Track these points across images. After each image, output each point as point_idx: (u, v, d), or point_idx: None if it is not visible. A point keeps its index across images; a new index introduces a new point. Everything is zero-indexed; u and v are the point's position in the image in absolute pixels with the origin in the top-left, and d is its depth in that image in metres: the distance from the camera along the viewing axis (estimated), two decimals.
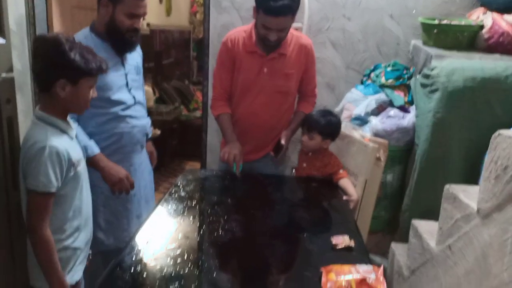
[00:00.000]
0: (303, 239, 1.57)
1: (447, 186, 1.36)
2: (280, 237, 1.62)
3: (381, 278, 1.20)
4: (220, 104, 2.15)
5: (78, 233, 1.45)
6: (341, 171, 1.99)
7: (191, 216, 1.69)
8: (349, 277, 1.18)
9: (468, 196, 1.25)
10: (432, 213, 1.68)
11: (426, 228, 1.58)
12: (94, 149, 1.73)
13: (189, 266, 1.33)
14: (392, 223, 2.46)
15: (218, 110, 2.15)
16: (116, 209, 1.88)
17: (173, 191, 1.91)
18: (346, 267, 1.22)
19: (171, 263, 1.34)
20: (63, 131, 1.38)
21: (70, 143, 1.40)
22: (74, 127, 1.46)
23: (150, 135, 2.12)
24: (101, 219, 1.86)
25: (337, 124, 2.01)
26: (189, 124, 4.58)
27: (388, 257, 2.00)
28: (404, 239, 1.99)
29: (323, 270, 1.23)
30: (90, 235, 1.54)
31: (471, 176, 1.98)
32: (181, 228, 1.59)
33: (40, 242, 1.31)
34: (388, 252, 2.17)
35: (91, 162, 1.71)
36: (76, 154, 1.41)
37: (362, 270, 1.21)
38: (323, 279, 1.19)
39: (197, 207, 1.80)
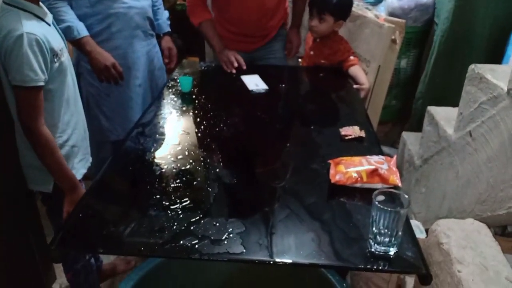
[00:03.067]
0: (310, 131, 1.48)
1: (472, 66, 1.22)
2: (286, 129, 1.53)
3: (394, 168, 1.12)
4: (199, 9, 1.94)
5: (71, 129, 1.36)
6: (351, 57, 1.83)
7: (191, 111, 1.59)
8: (359, 168, 1.10)
9: (496, 76, 1.11)
10: (447, 101, 1.56)
11: (442, 115, 1.47)
12: (82, 30, 1.59)
13: (190, 162, 1.26)
14: (402, 112, 2.35)
15: (198, 18, 1.96)
16: (121, 98, 1.79)
17: (170, 85, 1.79)
18: (356, 159, 1.13)
19: (172, 159, 1.27)
20: (38, 17, 1.21)
21: (48, 30, 1.24)
22: (48, 12, 1.28)
23: (166, 29, 1.98)
24: (106, 108, 1.79)
25: (350, 1, 1.80)
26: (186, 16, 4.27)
27: (398, 147, 1.93)
28: (415, 128, 1.90)
29: (331, 162, 1.15)
30: (85, 131, 1.46)
31: (494, 59, 1.81)
32: (181, 124, 1.50)
33: (40, 140, 1.22)
34: (397, 142, 2.10)
35: (78, 45, 1.59)
36: (57, 42, 1.26)
37: (373, 161, 1.12)
38: (332, 171, 1.11)
39: (197, 102, 1.69)
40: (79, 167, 1.42)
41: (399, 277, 1.21)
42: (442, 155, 1.38)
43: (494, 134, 1.06)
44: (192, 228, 0.98)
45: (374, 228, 0.92)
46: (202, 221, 1.01)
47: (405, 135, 1.82)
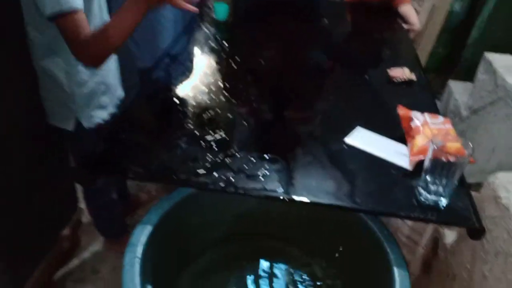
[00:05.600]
0: (354, 72, 1.37)
1: None
2: (327, 68, 1.42)
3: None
4: None
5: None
6: None
7: (225, 41, 1.48)
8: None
9: None
10: (505, 49, 1.42)
11: (502, 63, 1.34)
12: None
13: (224, 94, 1.18)
14: (447, 61, 2.20)
15: None
16: (152, 25, 1.68)
17: (203, 12, 1.67)
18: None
19: (205, 90, 1.19)
20: None
21: None
22: None
23: None
24: (136, 33, 1.67)
25: None
26: None
27: (442, 97, 1.81)
28: (463, 78, 1.77)
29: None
30: (116, 69, 1.33)
31: None
32: (214, 54, 1.41)
33: (98, 46, 1.02)
34: (439, 92, 1.97)
35: None
36: None
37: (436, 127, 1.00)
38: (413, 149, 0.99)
39: (232, 32, 1.58)
40: (99, 113, 1.28)
41: (437, 229, 1.14)
42: (497, 106, 1.27)
43: None
44: (227, 161, 0.92)
45: (428, 176, 0.84)
46: (237, 155, 0.94)
47: (452, 84, 1.69)
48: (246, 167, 0.91)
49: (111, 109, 1.31)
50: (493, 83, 1.30)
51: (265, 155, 0.95)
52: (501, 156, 1.20)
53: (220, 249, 1.14)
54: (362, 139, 1.01)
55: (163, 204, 0.97)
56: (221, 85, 1.22)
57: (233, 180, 0.87)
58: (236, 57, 1.38)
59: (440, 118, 1.01)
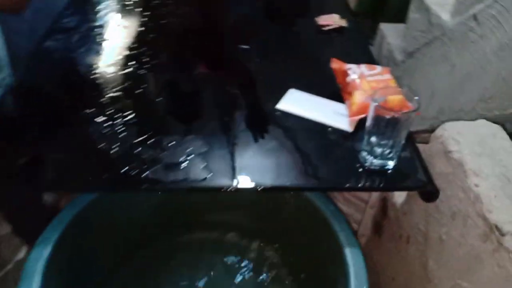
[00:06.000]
0: (281, 24, 1.23)
1: None
2: (250, 21, 1.26)
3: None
4: None
5: None
6: None
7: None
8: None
9: None
10: None
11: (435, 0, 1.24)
12: None
13: (132, 64, 0.99)
14: (377, 2, 2.10)
15: None
16: None
17: None
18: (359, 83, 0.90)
19: (108, 61, 1.00)
20: None
21: None
22: None
23: None
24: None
25: None
26: None
27: (375, 43, 1.72)
28: (393, 20, 1.68)
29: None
30: None
31: None
32: (118, 15, 1.20)
33: None
34: (370, 37, 1.88)
35: None
36: None
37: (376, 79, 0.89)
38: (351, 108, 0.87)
39: None
40: None
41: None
42: (432, 47, 1.18)
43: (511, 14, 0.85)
44: (138, 150, 0.76)
45: (371, 138, 0.73)
46: (151, 140, 0.78)
47: (384, 27, 1.59)
48: (163, 155, 0.76)
49: None
50: (427, 22, 1.21)
51: (185, 136, 0.79)
52: (441, 101, 1.12)
53: (148, 249, 1.00)
54: (295, 102, 0.88)
55: (63, 216, 0.80)
56: (128, 52, 1.03)
57: (147, 174, 0.71)
58: (145, 17, 1.18)
59: (378, 68, 0.90)
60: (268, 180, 0.72)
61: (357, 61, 0.93)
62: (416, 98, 0.69)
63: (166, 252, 1.01)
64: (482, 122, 0.80)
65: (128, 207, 0.91)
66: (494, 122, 0.86)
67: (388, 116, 0.69)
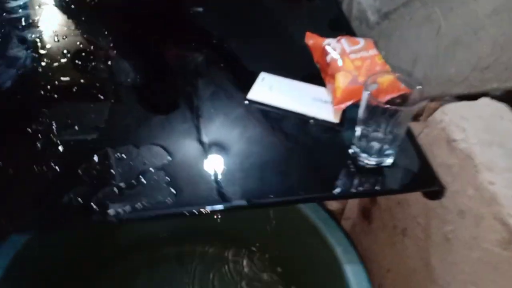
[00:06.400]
0: None
1: None
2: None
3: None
4: None
5: None
6: None
7: None
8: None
9: None
10: None
11: None
12: None
13: (64, 54, 0.82)
14: None
15: None
16: None
17: None
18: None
19: (37, 50, 0.82)
20: None
21: None
22: None
23: None
24: None
25: None
26: None
27: (343, 1, 1.57)
28: None
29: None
30: None
31: None
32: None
33: None
34: None
35: None
36: None
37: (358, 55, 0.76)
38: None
39: None
40: None
41: None
42: (412, 7, 1.05)
43: None
44: (80, 171, 0.61)
45: (366, 132, 0.61)
46: (96, 157, 0.63)
47: None
48: (114, 173, 0.61)
49: None
50: None
51: (140, 145, 0.65)
52: (426, 67, 1.01)
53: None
54: (269, 90, 0.74)
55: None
56: (56, 39, 0.86)
57: (92, 205, 0.57)
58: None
59: (361, 42, 0.77)
60: (237, 198, 0.59)
61: (333, 32, 0.80)
62: (419, 87, 0.57)
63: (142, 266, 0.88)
64: (485, 101, 0.69)
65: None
66: (495, 98, 0.76)
67: (384, 107, 0.57)
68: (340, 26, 0.91)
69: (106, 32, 0.88)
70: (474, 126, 0.64)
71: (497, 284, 0.58)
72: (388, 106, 0.57)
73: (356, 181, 0.62)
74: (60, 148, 0.64)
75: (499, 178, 0.58)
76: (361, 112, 0.61)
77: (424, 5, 1.00)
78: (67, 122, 0.68)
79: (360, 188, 0.62)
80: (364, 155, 0.63)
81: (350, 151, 0.65)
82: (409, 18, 1.08)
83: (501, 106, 0.68)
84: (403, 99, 0.63)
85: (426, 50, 1.02)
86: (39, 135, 0.65)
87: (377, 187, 0.62)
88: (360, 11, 1.33)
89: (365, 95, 0.59)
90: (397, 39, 1.15)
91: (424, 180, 0.63)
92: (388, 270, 0.93)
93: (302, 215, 0.73)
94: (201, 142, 0.66)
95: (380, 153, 0.62)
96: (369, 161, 0.63)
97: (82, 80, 0.77)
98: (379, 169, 0.63)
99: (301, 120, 0.70)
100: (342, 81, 0.70)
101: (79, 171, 0.60)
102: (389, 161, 0.63)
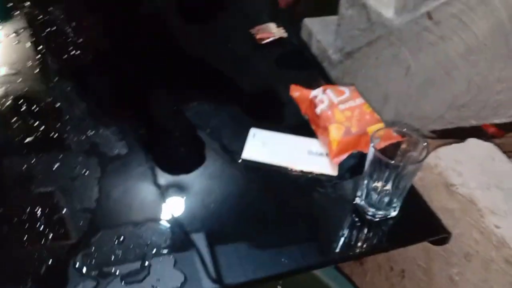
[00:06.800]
0: (215, 43, 1.05)
1: None
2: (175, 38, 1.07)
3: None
4: None
5: None
6: None
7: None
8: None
9: None
10: None
11: None
12: None
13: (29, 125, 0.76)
14: None
15: None
16: None
17: None
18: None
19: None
20: None
21: None
22: None
23: None
24: None
25: None
26: None
27: (301, 37, 1.61)
28: (314, 13, 1.58)
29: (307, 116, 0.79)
30: None
31: None
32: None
33: None
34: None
35: None
36: None
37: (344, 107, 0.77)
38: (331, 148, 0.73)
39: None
40: None
41: None
42: (377, 47, 1.09)
43: (479, 13, 0.77)
44: (72, 262, 0.56)
45: (374, 186, 0.61)
46: (90, 246, 0.58)
47: (308, 22, 1.48)
48: (113, 260, 0.56)
49: None
50: (366, 20, 1.11)
51: (142, 225, 0.61)
52: (399, 105, 1.04)
53: None
54: (262, 146, 0.73)
55: None
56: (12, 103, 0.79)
57: None
58: (39, 52, 0.92)
59: (347, 92, 0.78)
60: (236, 275, 0.56)
61: (311, 79, 0.81)
62: (425, 144, 0.58)
63: None
64: (473, 142, 0.72)
65: None
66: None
67: (394, 161, 0.58)
68: (316, 73, 0.91)
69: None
70: (470, 169, 0.66)
71: None
72: (394, 162, 0.57)
73: (364, 236, 0.62)
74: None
75: (504, 221, 0.60)
76: (367, 166, 0.61)
77: (390, 45, 1.04)
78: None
79: (370, 244, 0.61)
80: (370, 208, 0.63)
81: (356, 202, 0.65)
82: (375, 57, 1.11)
83: (490, 146, 0.71)
84: (396, 146, 0.64)
85: (397, 88, 1.05)
86: (25, 225, 0.59)
87: (386, 241, 0.62)
88: (321, 49, 1.37)
89: (371, 150, 0.59)
90: (363, 77, 1.18)
91: (431, 228, 0.64)
92: None
93: (312, 275, 0.72)
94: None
95: (386, 205, 0.62)
96: (375, 213, 0.63)
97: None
98: (385, 222, 0.63)
99: (299, 176, 0.69)
100: (336, 133, 0.70)
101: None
102: (394, 213, 0.64)
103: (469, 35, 0.80)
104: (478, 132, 0.95)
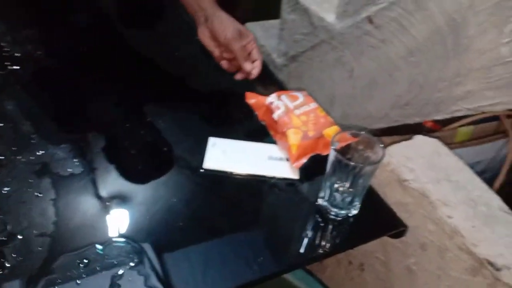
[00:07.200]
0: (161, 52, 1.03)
1: None
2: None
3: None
4: None
5: None
6: None
7: None
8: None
9: None
10: None
11: None
12: None
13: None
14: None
15: None
16: None
17: None
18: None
19: None
20: None
21: None
22: None
23: None
24: None
25: None
26: None
27: None
28: (256, 17, 1.61)
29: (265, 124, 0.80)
30: None
31: None
32: None
33: None
34: None
35: None
36: None
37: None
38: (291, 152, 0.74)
39: None
40: None
41: None
42: (320, 51, 1.13)
43: (418, 18, 0.83)
44: None
45: (334, 186, 0.63)
46: (53, 272, 0.55)
47: (250, 26, 1.50)
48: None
49: None
50: (308, 24, 1.15)
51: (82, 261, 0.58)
52: (343, 106, 1.09)
53: None
54: (223, 155, 0.73)
55: None
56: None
57: None
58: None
59: (300, 97, 0.80)
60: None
61: (264, 85, 0.82)
62: (381, 145, 0.61)
63: None
64: (419, 138, 0.77)
65: None
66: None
67: (352, 162, 0.60)
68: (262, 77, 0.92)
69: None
70: (420, 165, 0.71)
71: None
72: (354, 163, 0.60)
73: (328, 236, 0.64)
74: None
75: (455, 211, 0.64)
76: (329, 168, 0.63)
77: (333, 49, 1.08)
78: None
79: (335, 243, 0.63)
80: (332, 208, 0.65)
81: (318, 203, 0.67)
82: (319, 60, 1.15)
83: (435, 142, 0.76)
84: (353, 148, 0.67)
85: (341, 90, 1.10)
86: None
87: (349, 239, 0.64)
88: (265, 53, 1.39)
89: (332, 153, 0.61)
90: (308, 79, 1.22)
91: (389, 223, 0.67)
92: None
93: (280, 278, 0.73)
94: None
95: (348, 204, 0.65)
96: (338, 213, 0.65)
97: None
98: (347, 220, 0.66)
99: (263, 182, 0.70)
100: (294, 138, 0.72)
101: None
102: (354, 211, 0.66)
103: (409, 38, 0.85)
104: (419, 128, 1.01)
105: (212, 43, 0.82)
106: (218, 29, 0.78)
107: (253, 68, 0.79)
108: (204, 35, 0.82)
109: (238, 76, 0.82)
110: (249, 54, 0.80)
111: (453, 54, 0.76)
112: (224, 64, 0.82)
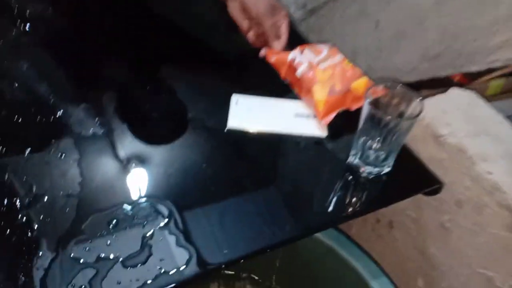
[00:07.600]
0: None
1: None
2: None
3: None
4: None
5: None
6: None
7: None
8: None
9: None
10: None
11: None
12: None
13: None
14: None
15: None
16: None
17: None
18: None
19: None
20: None
21: None
22: None
23: None
24: None
25: None
26: None
27: None
28: None
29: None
30: None
31: None
32: None
33: None
34: None
35: None
36: None
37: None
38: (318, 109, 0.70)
39: None
40: None
41: None
42: (343, 3, 1.07)
43: None
44: (66, 251, 0.52)
45: (368, 143, 0.60)
46: (82, 233, 0.54)
47: None
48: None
49: None
50: None
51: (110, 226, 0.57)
52: (368, 59, 1.04)
53: None
54: (247, 113, 0.70)
55: None
56: None
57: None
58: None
59: (324, 50, 0.75)
60: (240, 247, 0.55)
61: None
62: (419, 99, 0.57)
63: None
64: (455, 91, 0.73)
65: None
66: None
67: (388, 117, 0.57)
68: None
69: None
70: (456, 119, 0.67)
71: (508, 264, 0.62)
72: (390, 118, 0.56)
73: (361, 195, 0.62)
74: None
75: (496, 166, 0.61)
76: (362, 123, 0.59)
77: (354, 1, 1.02)
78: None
79: (367, 201, 0.61)
80: (365, 166, 0.63)
81: (349, 162, 0.64)
82: (339, 16, 1.10)
83: (471, 95, 0.72)
84: (387, 102, 0.63)
85: (366, 43, 1.04)
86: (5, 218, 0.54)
87: (382, 197, 0.62)
88: (283, 6, 1.33)
89: (366, 107, 0.58)
90: (329, 33, 1.16)
91: (424, 180, 0.64)
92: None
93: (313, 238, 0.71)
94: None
95: (382, 162, 0.62)
96: (371, 171, 0.63)
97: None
98: (380, 178, 0.63)
99: (290, 141, 0.68)
100: (320, 93, 0.68)
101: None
102: (388, 169, 0.64)
103: None
104: (447, 82, 0.97)
105: (242, 15, 0.77)
106: (250, 2, 0.73)
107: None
108: (234, 7, 0.77)
109: (263, 53, 0.77)
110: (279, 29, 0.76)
111: None
112: (250, 37, 0.77)
